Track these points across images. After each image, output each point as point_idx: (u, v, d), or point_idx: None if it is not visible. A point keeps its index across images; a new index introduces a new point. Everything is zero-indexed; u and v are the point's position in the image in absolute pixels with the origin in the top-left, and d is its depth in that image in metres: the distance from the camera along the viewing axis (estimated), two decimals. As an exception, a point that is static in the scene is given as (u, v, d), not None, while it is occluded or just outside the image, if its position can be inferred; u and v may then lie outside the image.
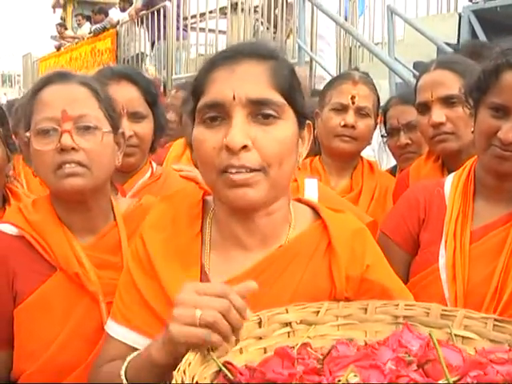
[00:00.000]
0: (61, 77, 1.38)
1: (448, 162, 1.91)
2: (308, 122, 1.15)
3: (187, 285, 0.93)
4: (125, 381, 0.99)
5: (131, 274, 1.15)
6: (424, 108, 1.87)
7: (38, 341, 1.16)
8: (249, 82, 1.04)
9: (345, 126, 2.08)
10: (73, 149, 1.30)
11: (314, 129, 1.18)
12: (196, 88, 1.10)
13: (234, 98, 1.02)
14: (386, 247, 1.47)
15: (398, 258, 1.50)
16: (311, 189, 1.74)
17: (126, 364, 1.00)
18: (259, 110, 1.03)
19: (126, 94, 1.81)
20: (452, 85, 1.76)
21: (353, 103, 2.08)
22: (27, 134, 1.34)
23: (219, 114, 1.04)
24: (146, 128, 1.86)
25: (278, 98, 1.05)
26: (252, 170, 1.02)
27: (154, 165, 1.99)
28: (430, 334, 0.91)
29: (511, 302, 1.31)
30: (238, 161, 1.01)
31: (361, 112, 2.10)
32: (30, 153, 1.39)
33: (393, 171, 2.54)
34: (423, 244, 1.50)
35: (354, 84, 2.10)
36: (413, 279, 1.47)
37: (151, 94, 1.89)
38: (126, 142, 1.75)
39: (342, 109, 2.10)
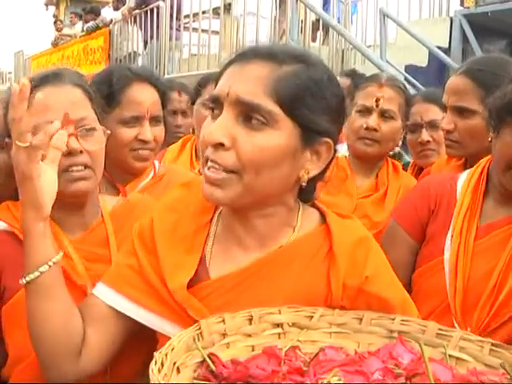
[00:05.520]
0: (54, 78, 1.37)
1: (471, 162, 1.88)
2: (326, 139, 1.07)
3: None
4: None
5: (134, 244, 1.17)
6: (445, 109, 1.88)
7: (28, 336, 1.15)
8: (246, 82, 1.02)
9: (367, 128, 2.07)
10: (80, 151, 1.31)
11: (335, 148, 1.11)
12: (216, 80, 1.10)
13: (227, 94, 1.02)
14: (395, 233, 1.55)
15: (405, 244, 1.54)
16: None
17: None
18: (247, 113, 1.01)
19: (151, 97, 1.81)
20: (467, 96, 1.74)
21: (377, 106, 2.06)
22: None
23: (217, 107, 1.05)
24: (162, 132, 1.86)
25: (270, 105, 1.00)
26: (226, 171, 1.01)
27: (157, 164, 1.96)
28: (420, 346, 0.89)
29: (508, 300, 1.33)
30: (212, 155, 1.01)
31: (385, 115, 2.07)
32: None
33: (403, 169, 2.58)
34: (430, 235, 1.52)
35: (379, 86, 2.09)
36: (418, 270, 1.50)
37: (165, 99, 1.90)
38: (143, 145, 1.77)
39: (366, 111, 2.09)
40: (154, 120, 1.81)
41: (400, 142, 2.21)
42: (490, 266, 1.38)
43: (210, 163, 1.02)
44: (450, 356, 0.97)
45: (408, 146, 2.54)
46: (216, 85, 1.09)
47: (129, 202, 1.49)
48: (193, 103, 2.52)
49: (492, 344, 0.97)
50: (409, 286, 1.50)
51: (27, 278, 1.10)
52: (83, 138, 1.33)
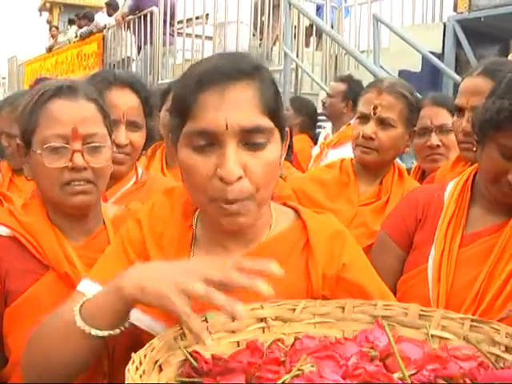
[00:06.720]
0: (69, 91, 1.36)
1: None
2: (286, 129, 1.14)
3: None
4: (78, 316, 0.97)
5: (123, 243, 1.17)
6: (459, 111, 1.84)
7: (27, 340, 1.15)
8: (240, 109, 1.01)
9: (363, 136, 2.01)
10: (84, 168, 1.33)
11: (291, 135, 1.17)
12: (183, 107, 1.05)
13: (226, 127, 1.00)
14: (384, 243, 1.56)
15: (393, 254, 1.54)
16: None
17: (81, 302, 1.00)
18: (250, 138, 1.02)
19: (129, 102, 1.82)
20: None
21: (374, 114, 2.00)
22: (38, 151, 1.33)
23: (211, 141, 1.02)
24: (140, 138, 1.87)
25: (267, 122, 1.04)
26: (245, 199, 1.03)
27: (140, 171, 1.97)
28: (384, 325, 0.90)
29: (491, 307, 1.31)
30: (232, 193, 1.01)
31: (383, 123, 2.00)
32: (22, 160, 1.41)
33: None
34: (416, 244, 1.51)
35: (378, 93, 2.01)
36: (402, 277, 1.49)
37: (150, 105, 1.90)
38: (118, 149, 1.76)
39: (364, 118, 2.03)
40: (132, 125, 1.83)
41: (408, 149, 2.13)
42: (474, 274, 1.36)
43: (231, 199, 1.01)
44: (432, 336, 0.98)
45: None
46: (184, 113, 1.04)
47: (130, 210, 1.52)
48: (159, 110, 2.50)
49: (472, 320, 0.99)
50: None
51: None
52: (90, 154, 1.35)
